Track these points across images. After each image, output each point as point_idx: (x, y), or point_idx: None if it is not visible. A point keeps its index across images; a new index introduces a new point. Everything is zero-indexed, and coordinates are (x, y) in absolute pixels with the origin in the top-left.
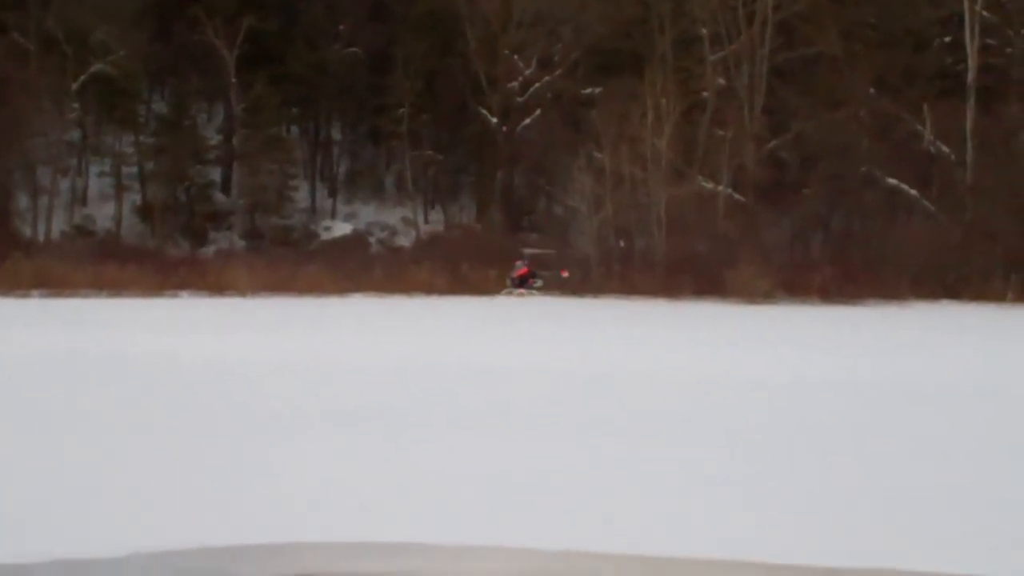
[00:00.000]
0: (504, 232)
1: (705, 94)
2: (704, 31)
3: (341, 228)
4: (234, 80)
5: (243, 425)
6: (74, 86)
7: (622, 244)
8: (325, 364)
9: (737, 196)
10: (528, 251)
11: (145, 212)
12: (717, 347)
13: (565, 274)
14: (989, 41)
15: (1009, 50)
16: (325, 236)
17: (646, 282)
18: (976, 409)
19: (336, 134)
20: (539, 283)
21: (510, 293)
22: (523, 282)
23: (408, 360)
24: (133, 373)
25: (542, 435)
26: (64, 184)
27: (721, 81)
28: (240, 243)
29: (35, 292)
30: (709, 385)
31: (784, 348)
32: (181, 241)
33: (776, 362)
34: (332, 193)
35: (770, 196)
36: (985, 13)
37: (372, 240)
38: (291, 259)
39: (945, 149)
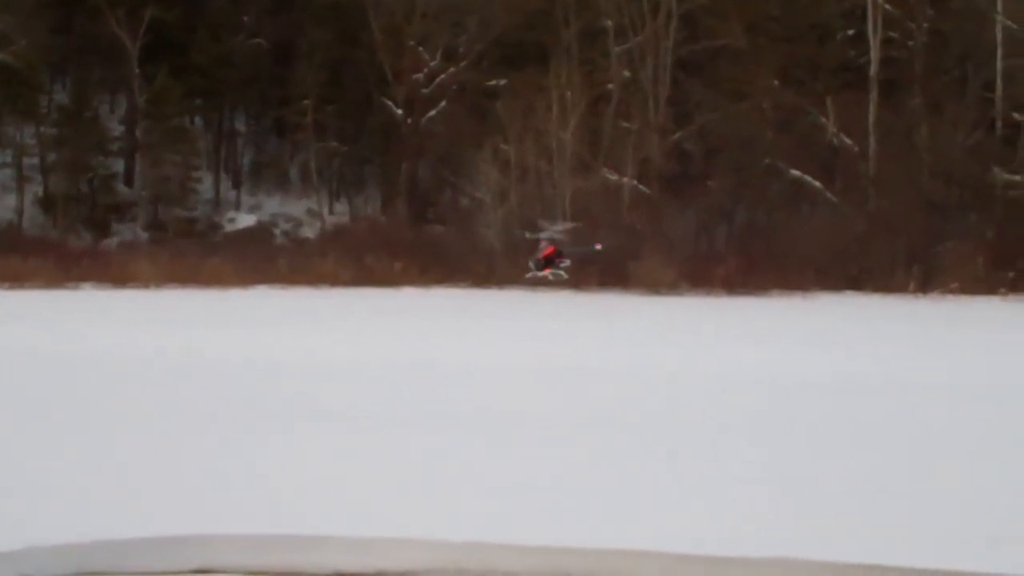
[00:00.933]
0: (409, 224)
1: (610, 86)
2: (609, 23)
3: (245, 220)
4: (137, 71)
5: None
6: None
7: (527, 236)
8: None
9: (642, 188)
10: (549, 228)
11: (47, 204)
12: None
13: (599, 247)
14: (891, 34)
15: (911, 43)
16: (229, 228)
17: None
18: (878, 400)
19: (240, 125)
20: (566, 263)
21: (535, 275)
22: (549, 262)
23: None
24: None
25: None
26: None
27: (626, 73)
28: (143, 235)
29: None
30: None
31: (690, 339)
32: (83, 233)
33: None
34: (236, 184)
35: (675, 188)
36: (887, 6)
37: (276, 232)
38: (195, 251)
39: (848, 141)
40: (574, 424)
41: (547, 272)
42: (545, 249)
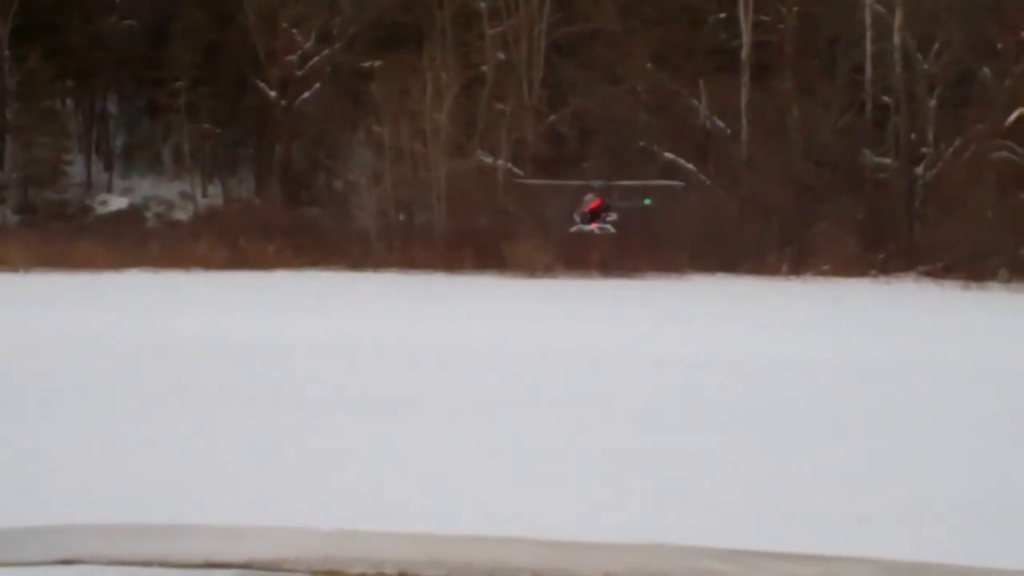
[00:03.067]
0: (283, 206)
1: (484, 68)
2: (483, 5)
3: (117, 202)
4: (7, 53)
5: None
6: None
7: (402, 218)
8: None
9: (516, 170)
10: (598, 183)
11: None
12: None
13: (648, 201)
14: (763, 17)
15: (781, 26)
16: (101, 210)
17: (426, 256)
18: (761, 377)
19: (112, 107)
20: (613, 216)
21: (581, 230)
22: (595, 216)
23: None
24: None
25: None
26: None
27: (500, 55)
28: (13, 218)
29: None
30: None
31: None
32: None
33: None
34: (108, 167)
35: (549, 170)
36: None
37: (149, 215)
38: (66, 234)
39: (720, 124)
40: (450, 408)
41: (594, 227)
42: (591, 202)
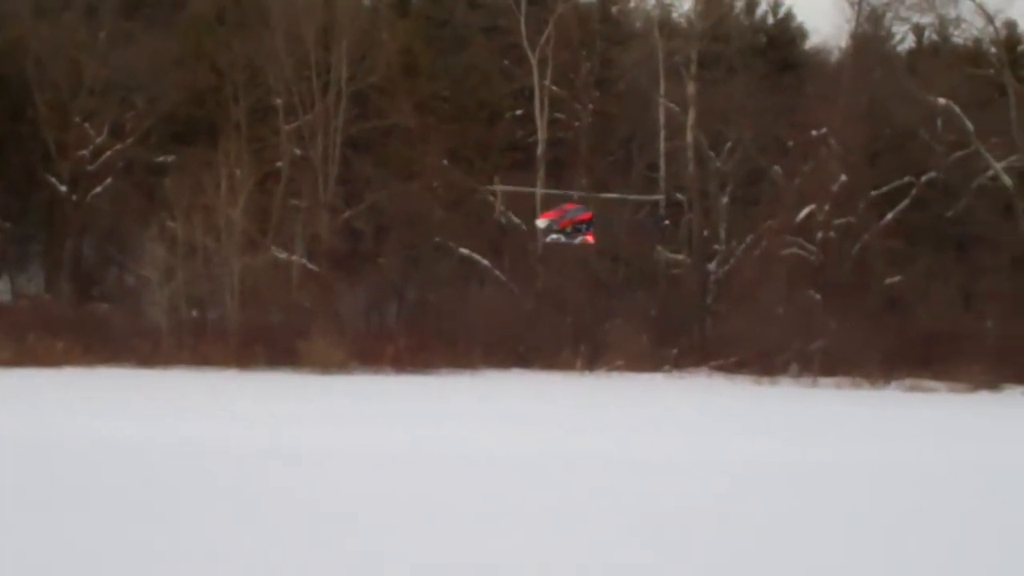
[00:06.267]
0: (73, 302)
1: (280, 164)
2: (279, 101)
3: None
4: None
5: None
6: None
7: (194, 314)
8: None
9: (311, 266)
10: (576, 194)
11: None
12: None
13: (668, 222)
14: (558, 115)
15: (577, 123)
16: None
17: (218, 353)
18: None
19: None
20: (585, 238)
21: (557, 240)
22: (579, 229)
23: None
24: None
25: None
26: None
27: (296, 151)
28: None
29: None
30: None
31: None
32: None
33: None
34: None
35: (345, 266)
36: (554, 88)
37: None
38: None
39: (516, 220)
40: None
41: (563, 230)
42: (579, 214)
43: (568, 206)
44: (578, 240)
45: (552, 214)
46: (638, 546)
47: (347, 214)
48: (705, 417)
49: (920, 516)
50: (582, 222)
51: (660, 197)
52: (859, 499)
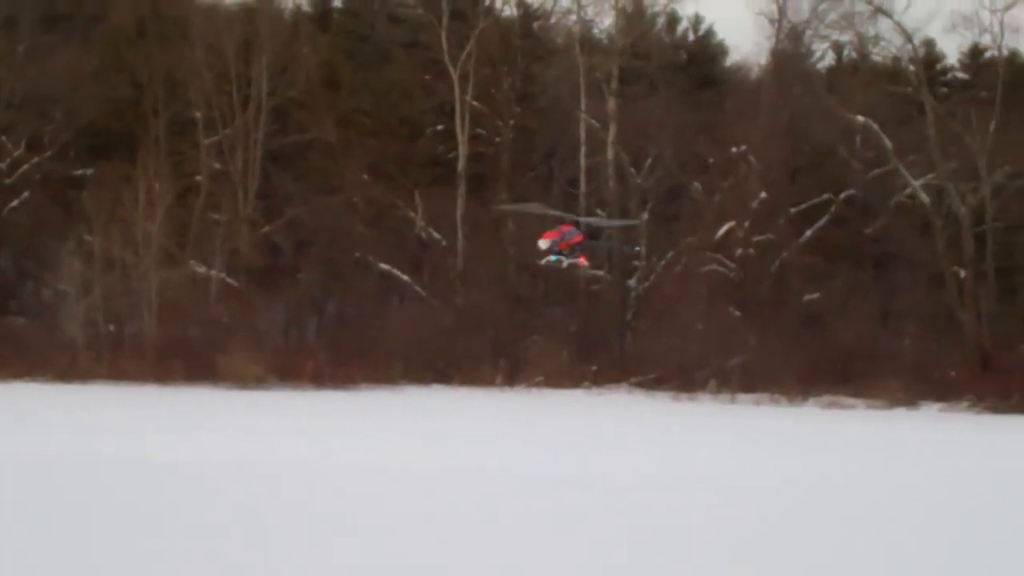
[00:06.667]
0: None
1: (199, 178)
2: (198, 115)
3: None
4: None
5: None
6: None
7: (112, 328)
8: None
9: (231, 281)
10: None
11: None
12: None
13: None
14: (480, 131)
15: (498, 139)
16: None
17: (136, 367)
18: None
19: None
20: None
21: (559, 263)
22: (576, 251)
23: None
24: None
25: None
26: None
27: (216, 165)
28: None
29: None
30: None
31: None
32: None
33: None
34: None
35: (264, 280)
36: (475, 103)
37: None
38: None
39: (436, 235)
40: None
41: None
42: (575, 236)
43: (565, 228)
44: (570, 262)
45: (553, 235)
46: (571, 558)
47: (267, 229)
48: (630, 433)
49: (839, 531)
50: (576, 244)
51: (637, 222)
52: (786, 514)
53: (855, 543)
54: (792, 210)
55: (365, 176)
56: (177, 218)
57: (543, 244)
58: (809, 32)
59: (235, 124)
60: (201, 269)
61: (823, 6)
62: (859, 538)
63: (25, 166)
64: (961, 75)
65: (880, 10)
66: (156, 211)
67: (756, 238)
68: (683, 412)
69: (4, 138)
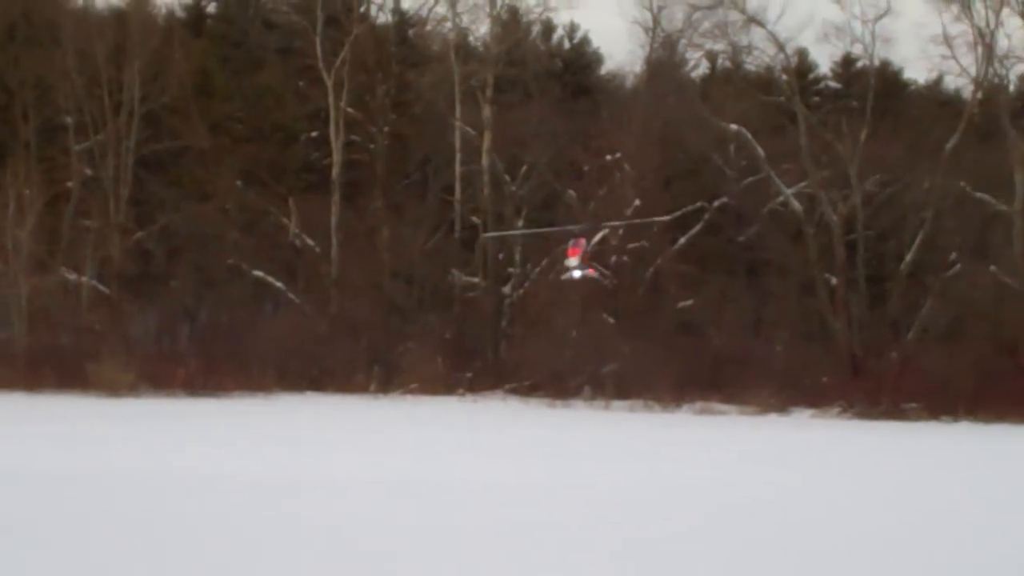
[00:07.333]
0: None
1: (70, 184)
2: (69, 120)
3: None
4: None
5: None
6: None
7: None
8: None
9: (102, 288)
10: (578, 228)
11: None
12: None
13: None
14: (354, 137)
15: (373, 146)
16: None
17: (5, 375)
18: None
19: None
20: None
21: (571, 276)
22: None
23: None
24: None
25: None
26: None
27: (87, 171)
28: None
29: None
30: None
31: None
32: None
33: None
34: None
35: (136, 288)
36: (350, 110)
37: None
38: None
39: (310, 242)
40: None
41: (591, 272)
42: (587, 248)
43: (580, 241)
44: (584, 273)
45: (576, 251)
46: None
47: (139, 235)
48: (509, 440)
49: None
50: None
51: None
52: (657, 518)
53: (707, 549)
54: (666, 217)
55: (239, 183)
56: (48, 225)
57: (572, 262)
58: (683, 41)
59: (107, 130)
60: (72, 276)
61: (697, 15)
62: (710, 545)
63: None
64: (833, 84)
65: (753, 20)
66: (26, 218)
67: (630, 245)
68: (557, 418)
69: None
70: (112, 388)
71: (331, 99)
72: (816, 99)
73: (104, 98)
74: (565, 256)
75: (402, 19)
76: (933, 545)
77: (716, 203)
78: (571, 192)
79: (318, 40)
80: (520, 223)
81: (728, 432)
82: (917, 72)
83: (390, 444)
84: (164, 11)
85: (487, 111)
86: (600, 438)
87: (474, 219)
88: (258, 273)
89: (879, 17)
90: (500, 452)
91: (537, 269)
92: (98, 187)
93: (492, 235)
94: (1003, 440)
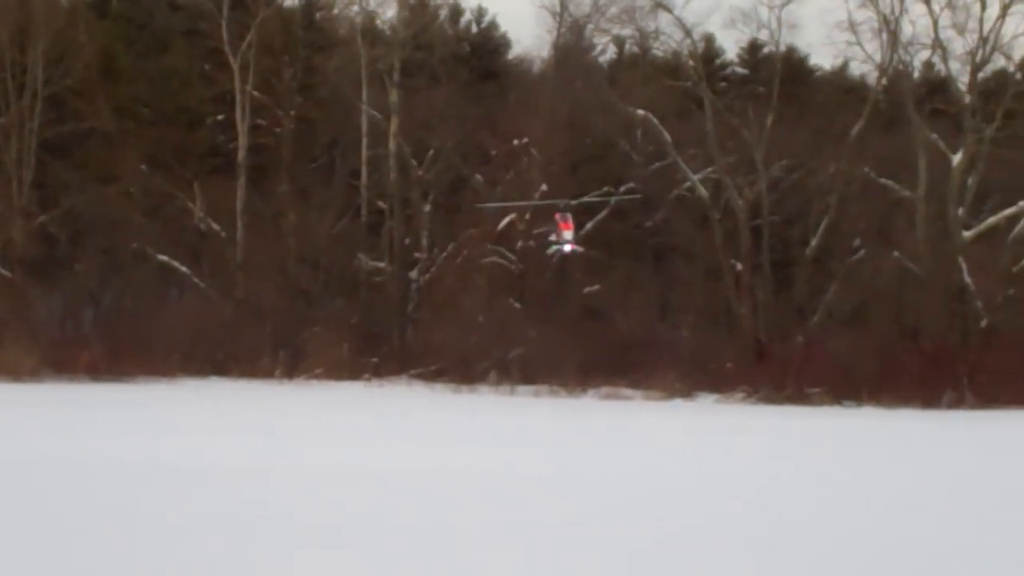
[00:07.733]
0: None
1: None
2: None
3: None
4: None
5: None
6: None
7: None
8: None
9: (4, 272)
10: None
11: None
12: None
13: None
14: (260, 121)
15: (279, 130)
16: None
17: None
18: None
19: None
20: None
21: (560, 251)
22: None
23: None
24: None
25: None
26: None
27: None
28: None
29: None
30: None
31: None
32: None
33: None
34: None
35: (40, 271)
36: (256, 93)
37: None
38: None
39: (216, 226)
40: None
41: (573, 246)
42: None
43: (568, 215)
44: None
45: (568, 225)
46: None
47: (42, 219)
48: (413, 425)
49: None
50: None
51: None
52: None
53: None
54: (573, 202)
55: (143, 166)
56: None
57: (567, 235)
58: (591, 26)
59: (9, 112)
60: None
61: (604, 1)
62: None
63: None
64: (740, 70)
65: (660, 5)
66: None
67: (537, 230)
68: (465, 403)
69: None
70: (14, 373)
71: (237, 82)
72: (723, 85)
73: (7, 80)
74: (557, 229)
75: (309, 3)
76: (827, 532)
77: (623, 188)
78: (478, 176)
79: (224, 23)
80: (427, 208)
81: (633, 417)
82: (823, 58)
83: (292, 430)
84: None
85: (394, 95)
86: (501, 423)
87: (380, 204)
88: (163, 257)
89: (785, 3)
90: (402, 437)
91: (444, 254)
92: (1, 170)
93: (488, 206)
94: (904, 424)
